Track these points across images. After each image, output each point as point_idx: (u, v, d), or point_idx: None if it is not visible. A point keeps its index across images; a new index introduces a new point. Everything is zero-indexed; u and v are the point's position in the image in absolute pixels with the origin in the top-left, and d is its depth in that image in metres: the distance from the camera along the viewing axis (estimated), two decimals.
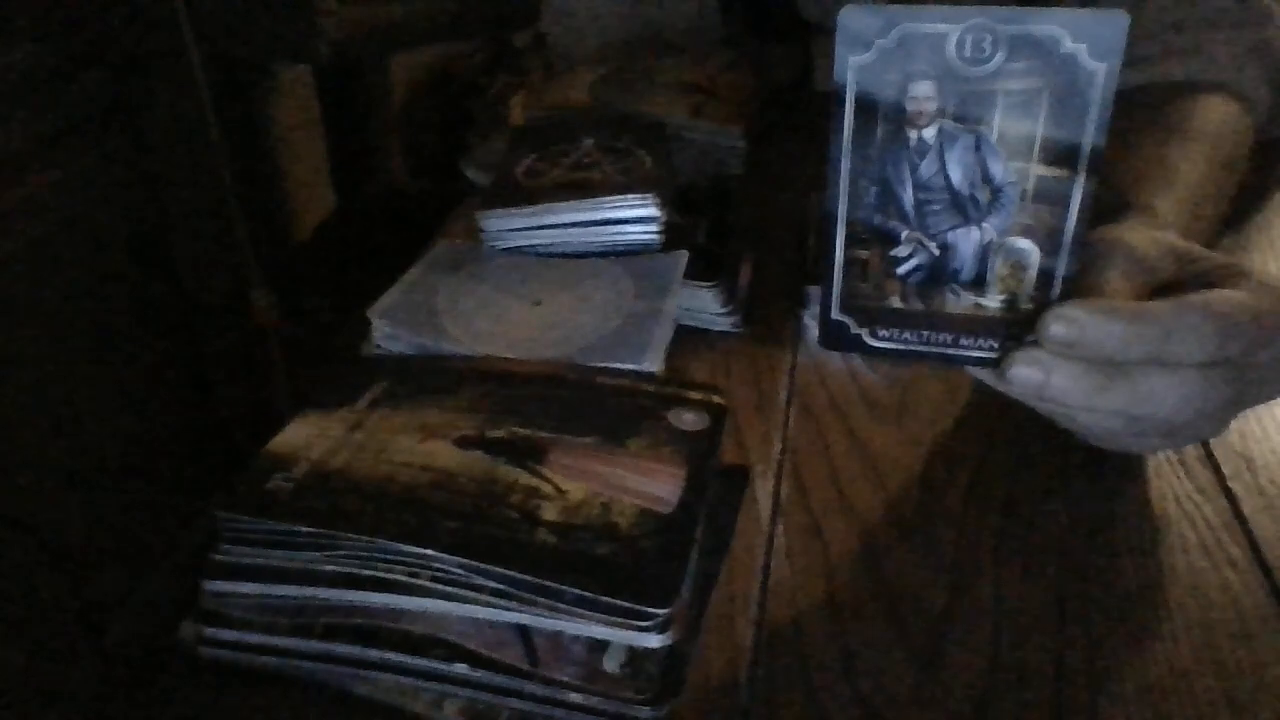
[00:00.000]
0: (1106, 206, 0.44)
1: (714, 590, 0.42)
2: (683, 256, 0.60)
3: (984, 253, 0.37)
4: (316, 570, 0.38)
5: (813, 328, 0.59)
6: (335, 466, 0.42)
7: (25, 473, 0.95)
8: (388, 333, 0.55)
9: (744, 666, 0.39)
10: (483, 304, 0.57)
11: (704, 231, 0.65)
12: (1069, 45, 0.34)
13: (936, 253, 0.38)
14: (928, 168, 0.36)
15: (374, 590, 0.38)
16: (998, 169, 0.36)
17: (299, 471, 0.42)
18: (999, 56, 0.35)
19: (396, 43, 1.37)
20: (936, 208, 0.37)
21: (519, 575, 0.36)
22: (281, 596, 0.39)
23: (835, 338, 0.39)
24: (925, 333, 0.39)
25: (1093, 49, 0.34)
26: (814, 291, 0.59)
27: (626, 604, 0.35)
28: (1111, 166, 0.40)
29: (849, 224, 0.38)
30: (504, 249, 0.63)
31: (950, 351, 0.39)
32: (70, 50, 1.03)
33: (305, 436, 0.44)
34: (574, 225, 0.63)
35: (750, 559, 0.43)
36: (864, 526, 0.45)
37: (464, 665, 0.37)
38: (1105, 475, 0.47)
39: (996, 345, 0.38)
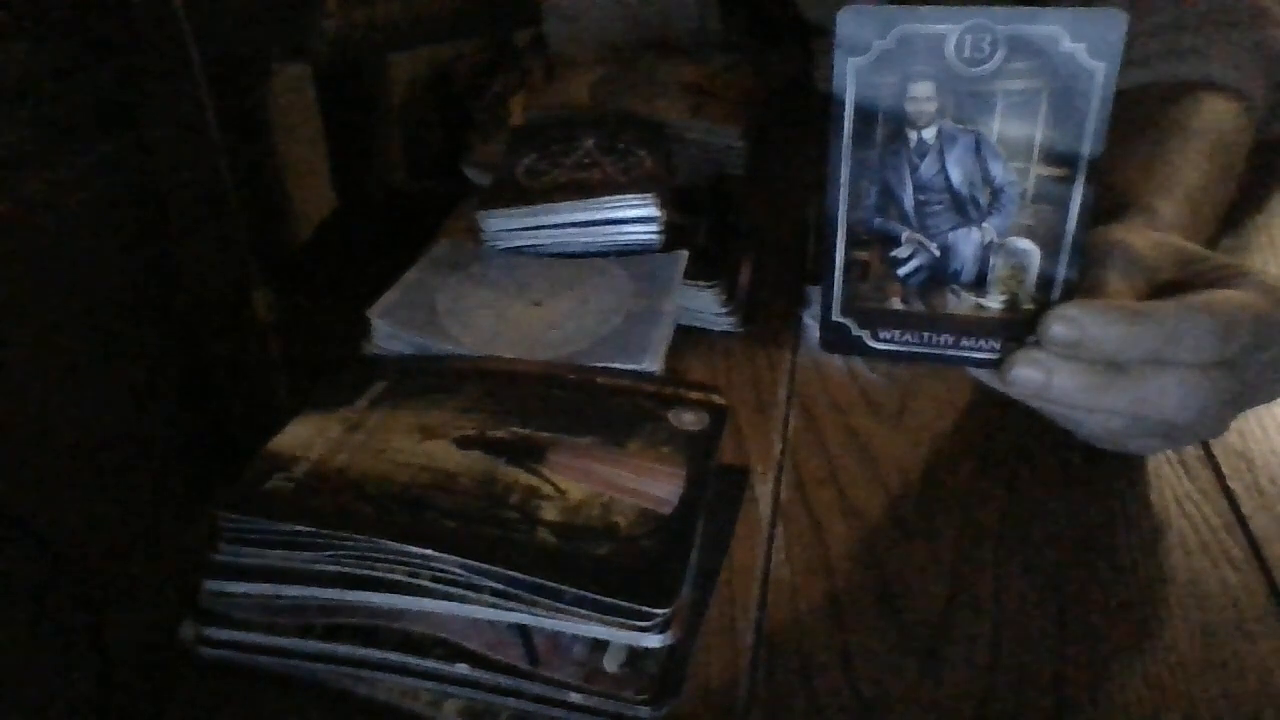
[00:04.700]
0: (1107, 207, 0.44)
1: (714, 590, 0.42)
2: (683, 256, 0.60)
3: (984, 253, 0.37)
4: (316, 570, 0.38)
5: (813, 328, 0.59)
6: (335, 466, 0.42)
7: (25, 473, 0.95)
8: (388, 333, 0.55)
9: (744, 666, 0.39)
10: (483, 304, 0.57)
11: (704, 231, 0.65)
12: (1068, 45, 0.34)
13: (937, 254, 0.38)
14: (928, 168, 0.36)
15: (374, 590, 0.38)
16: (998, 169, 0.36)
17: (299, 471, 0.42)
18: (998, 56, 0.35)
19: (396, 43, 1.37)
20: (937, 208, 0.37)
21: (519, 575, 0.36)
22: (281, 596, 0.38)
23: (836, 340, 0.39)
24: (926, 334, 0.39)
25: (1091, 48, 0.34)
26: (814, 292, 0.59)
27: (626, 604, 0.35)
28: (1111, 167, 0.40)
29: (849, 225, 0.38)
30: (504, 249, 0.63)
31: (951, 353, 0.39)
32: (70, 50, 1.03)
33: (305, 436, 0.44)
34: (574, 225, 0.63)
35: (750, 559, 0.43)
36: (864, 526, 0.45)
37: (464, 665, 0.37)
38: (1105, 475, 0.47)
39: (998, 346, 0.38)
